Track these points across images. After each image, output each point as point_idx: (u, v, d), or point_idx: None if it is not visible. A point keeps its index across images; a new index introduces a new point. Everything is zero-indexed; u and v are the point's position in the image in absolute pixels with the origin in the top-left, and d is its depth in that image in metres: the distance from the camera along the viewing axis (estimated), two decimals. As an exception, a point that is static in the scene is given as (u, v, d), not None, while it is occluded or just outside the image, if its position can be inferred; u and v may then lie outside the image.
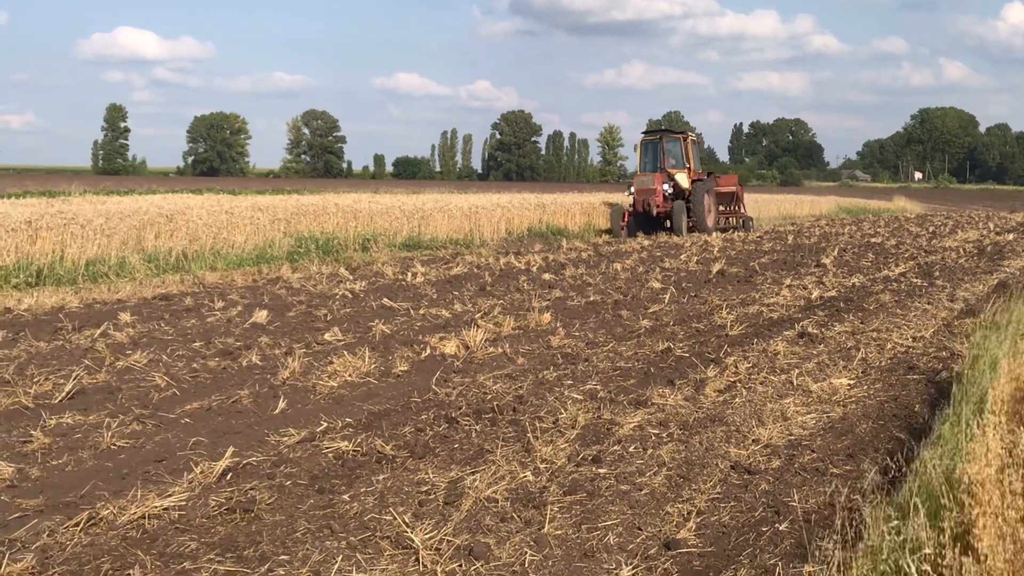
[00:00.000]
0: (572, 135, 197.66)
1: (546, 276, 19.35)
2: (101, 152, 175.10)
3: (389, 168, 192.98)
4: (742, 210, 40.05)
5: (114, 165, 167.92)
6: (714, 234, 34.55)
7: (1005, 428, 5.82)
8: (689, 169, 35.75)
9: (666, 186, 34.49)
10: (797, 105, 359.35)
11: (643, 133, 37.98)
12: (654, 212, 34.06)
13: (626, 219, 35.12)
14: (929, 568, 4.41)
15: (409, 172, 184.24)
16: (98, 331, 12.27)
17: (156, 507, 5.98)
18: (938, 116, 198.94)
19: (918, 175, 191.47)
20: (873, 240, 31.54)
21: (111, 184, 53.28)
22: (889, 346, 11.56)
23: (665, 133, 37.29)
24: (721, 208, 38.72)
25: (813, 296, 16.09)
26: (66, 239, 19.62)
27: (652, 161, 36.08)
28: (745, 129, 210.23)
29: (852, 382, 9.62)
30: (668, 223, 34.55)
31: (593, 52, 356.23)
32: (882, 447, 7.50)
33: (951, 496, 4.90)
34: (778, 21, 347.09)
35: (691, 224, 35.03)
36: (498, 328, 12.58)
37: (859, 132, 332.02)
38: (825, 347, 11.46)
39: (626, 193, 37.21)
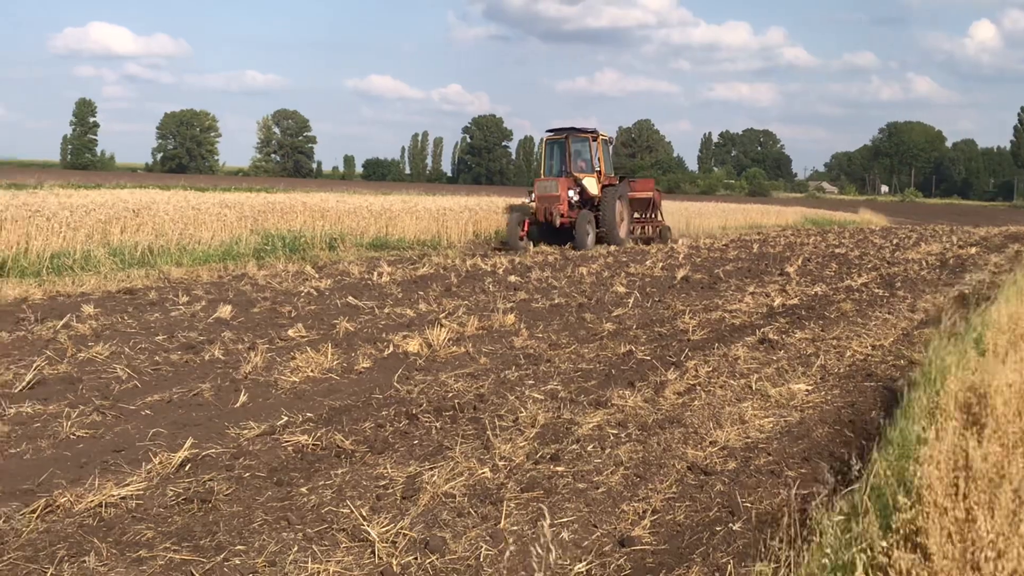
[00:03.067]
0: (542, 140, 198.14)
1: (512, 278, 19.39)
2: (70, 147, 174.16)
3: (359, 169, 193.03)
4: (660, 218, 36.52)
5: (83, 160, 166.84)
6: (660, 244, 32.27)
7: (955, 433, 5.91)
8: (600, 173, 32.06)
9: (572, 192, 30.83)
10: (767, 116, 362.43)
11: (547, 132, 33.65)
12: (557, 222, 30.03)
13: (526, 228, 30.67)
14: (878, 565, 4.48)
15: (379, 174, 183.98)
16: (60, 323, 12.21)
17: (114, 496, 5.97)
18: (906, 130, 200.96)
19: (884, 188, 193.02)
20: (837, 251, 31.77)
21: (79, 179, 52.80)
22: (848, 354, 11.67)
23: (572, 132, 32.46)
24: (637, 216, 35.16)
25: (776, 304, 16.21)
26: (31, 231, 19.46)
27: (558, 164, 32.42)
28: (715, 139, 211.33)
29: (810, 388, 9.71)
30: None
31: (567, 59, 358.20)
32: (837, 451, 7.58)
33: (901, 497, 4.98)
34: (750, 32, 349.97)
35: (600, 234, 31.29)
36: (462, 328, 12.60)
37: (827, 144, 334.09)
38: (785, 353, 11.56)
39: (527, 199, 32.90)
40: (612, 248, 30.22)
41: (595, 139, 32.31)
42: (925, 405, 7.24)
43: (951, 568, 4.33)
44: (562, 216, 29.99)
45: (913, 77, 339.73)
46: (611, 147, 34.45)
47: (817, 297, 17.51)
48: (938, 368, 8.32)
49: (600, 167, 32.11)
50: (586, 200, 31.40)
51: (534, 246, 30.10)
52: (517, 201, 37.36)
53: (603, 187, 31.78)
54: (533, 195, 31.26)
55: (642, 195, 35.22)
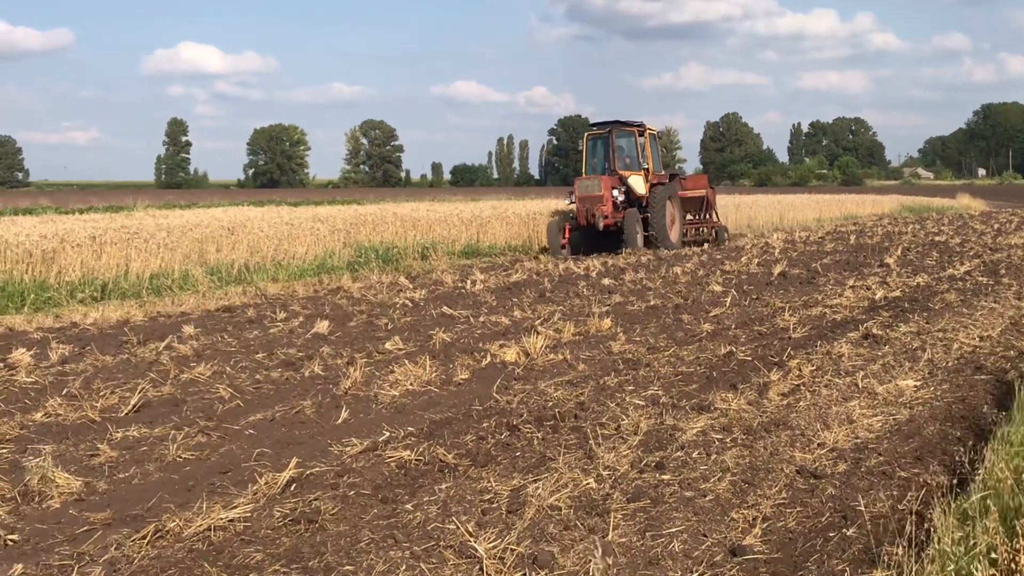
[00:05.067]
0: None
1: (606, 281, 19.29)
2: (163, 166, 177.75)
3: (447, 176, 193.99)
4: (714, 218, 32.93)
5: (176, 179, 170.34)
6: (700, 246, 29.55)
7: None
8: (647, 171, 29.14)
9: (616, 192, 27.98)
10: (857, 103, 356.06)
11: (590, 126, 31.08)
12: (600, 225, 27.11)
13: (567, 234, 28.16)
14: (999, 573, 4.32)
15: (467, 180, 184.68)
16: (162, 344, 12.41)
17: (222, 519, 6.01)
18: (1001, 111, 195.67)
19: (982, 172, 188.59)
20: (937, 238, 31.09)
21: (173, 198, 54.03)
22: (956, 346, 11.37)
23: (616, 125, 29.69)
24: (690, 217, 32.33)
25: (877, 296, 15.88)
26: (130, 253, 19.93)
27: (601, 161, 29.75)
28: (805, 129, 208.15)
29: (919, 383, 9.46)
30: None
31: (651, 56, 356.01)
32: (950, 449, 7.37)
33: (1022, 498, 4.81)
34: (837, 20, 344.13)
35: (650, 237, 28.51)
36: (558, 334, 12.55)
37: (921, 129, 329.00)
38: (890, 348, 11.30)
39: (567, 201, 30.09)
40: (706, 246, 29.77)
41: (642, 133, 29.63)
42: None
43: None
44: (606, 218, 27.25)
45: (1006, 57, 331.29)
46: (660, 142, 32.02)
47: (919, 288, 17.14)
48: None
49: (648, 164, 29.41)
50: (633, 201, 28.85)
51: (575, 255, 27.64)
52: None
53: (652, 186, 29.04)
54: (573, 196, 28.41)
55: (694, 194, 31.98)
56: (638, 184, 28.81)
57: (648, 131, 29.81)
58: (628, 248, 27.32)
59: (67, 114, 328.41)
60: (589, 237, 28.22)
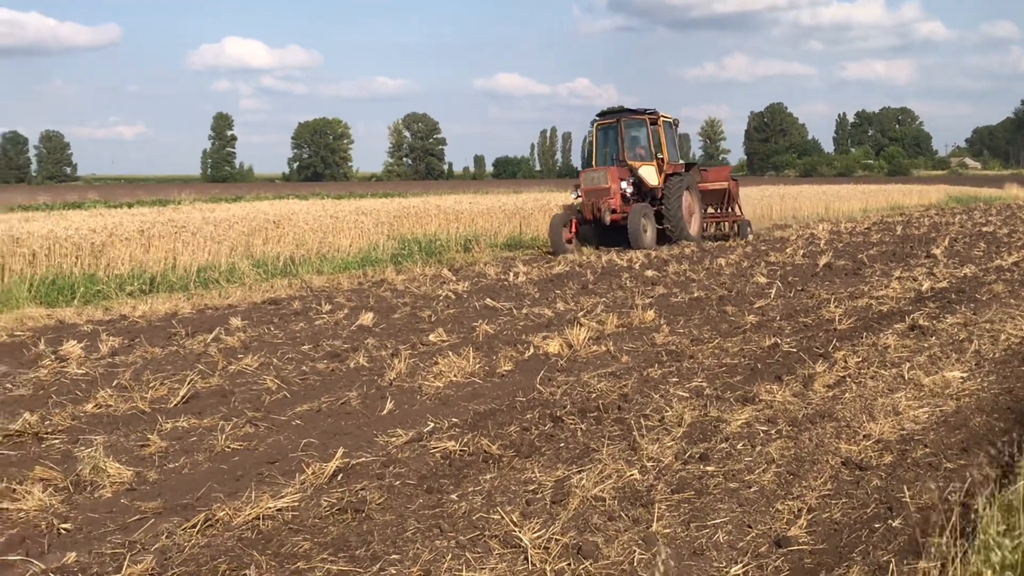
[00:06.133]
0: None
1: (649, 273, 19.26)
2: (209, 160, 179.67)
3: (489, 168, 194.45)
4: (737, 211, 31.20)
5: (222, 173, 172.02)
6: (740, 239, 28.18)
7: None
8: (662, 161, 27.28)
9: (624, 184, 26.16)
10: (904, 93, 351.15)
11: (597, 116, 28.48)
12: (607, 219, 25.47)
13: (574, 229, 26.54)
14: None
15: (509, 172, 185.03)
16: (210, 336, 12.55)
17: (270, 508, 6.09)
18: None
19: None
20: (985, 229, 30.76)
21: (219, 191, 54.27)
22: (1003, 337, 11.26)
23: (625, 114, 27.74)
24: (711, 210, 30.78)
25: (924, 288, 15.75)
26: (178, 247, 20.14)
27: (611, 152, 27.98)
28: (850, 119, 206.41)
29: (965, 375, 9.38)
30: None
31: (694, 46, 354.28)
32: (997, 440, 7.31)
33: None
34: (884, 9, 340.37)
35: (666, 230, 26.89)
36: (601, 326, 12.55)
37: (968, 119, 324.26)
38: (937, 340, 11.21)
39: (572, 195, 28.37)
40: (750, 237, 29.41)
41: (654, 121, 27.68)
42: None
43: None
44: (613, 212, 25.61)
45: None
46: (676, 130, 29.78)
47: (967, 279, 16.98)
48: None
49: (662, 153, 27.49)
50: (645, 192, 27.16)
51: (583, 249, 26.10)
52: None
53: (666, 177, 27.26)
54: (579, 190, 26.89)
55: (715, 186, 30.51)
56: (650, 175, 27.12)
57: (663, 119, 28.01)
58: (632, 246, 25.48)
59: (114, 109, 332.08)
60: (599, 232, 26.87)
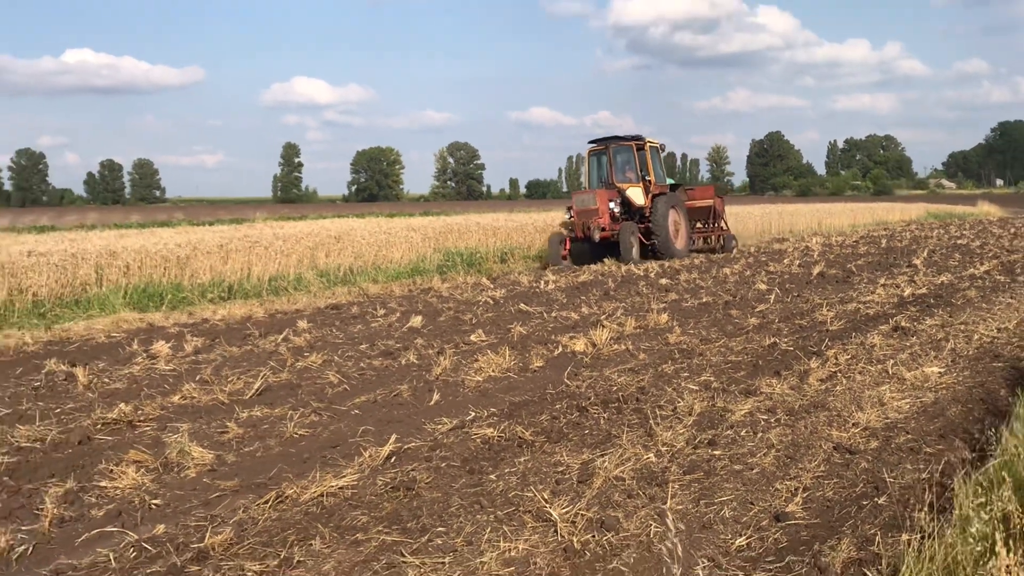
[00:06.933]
0: (683, 155, 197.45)
1: (663, 281, 19.18)
2: (279, 184, 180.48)
3: (523, 190, 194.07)
4: (722, 226, 30.44)
5: (290, 195, 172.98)
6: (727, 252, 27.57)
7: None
8: (649, 182, 26.54)
9: (612, 204, 25.58)
10: (887, 122, 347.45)
11: (589, 143, 27.75)
12: (596, 236, 24.70)
13: (568, 246, 25.77)
14: (1017, 535, 4.26)
15: (540, 192, 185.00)
16: (280, 337, 12.61)
17: (332, 486, 6.11)
18: (1016, 128, 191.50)
19: (999, 182, 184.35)
20: (959, 242, 30.43)
21: (288, 211, 54.73)
22: (976, 337, 11.14)
23: (614, 141, 27.23)
24: (699, 225, 30.11)
25: (905, 294, 15.60)
26: (252, 259, 20.25)
27: (602, 176, 27.46)
28: (840, 145, 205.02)
29: (942, 370, 9.29)
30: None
31: (702, 81, 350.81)
32: (971, 428, 7.24)
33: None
34: (869, 49, 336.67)
35: (653, 246, 25.84)
36: (621, 328, 12.51)
37: (944, 144, 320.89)
38: (917, 339, 11.10)
39: (566, 215, 27.76)
40: (752, 249, 29.21)
41: (640, 147, 26.93)
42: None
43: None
44: (602, 230, 24.89)
45: (1021, 80, 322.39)
46: (662, 155, 28.74)
47: (944, 286, 16.80)
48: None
49: (649, 175, 26.75)
50: (633, 212, 26.42)
51: (578, 266, 24.90)
52: None
53: (653, 197, 26.40)
54: (572, 211, 26.09)
55: (702, 203, 29.82)
56: (636, 195, 26.39)
57: (648, 144, 27.11)
58: (622, 261, 24.85)
59: (198, 139, 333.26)
60: (590, 249, 25.84)
